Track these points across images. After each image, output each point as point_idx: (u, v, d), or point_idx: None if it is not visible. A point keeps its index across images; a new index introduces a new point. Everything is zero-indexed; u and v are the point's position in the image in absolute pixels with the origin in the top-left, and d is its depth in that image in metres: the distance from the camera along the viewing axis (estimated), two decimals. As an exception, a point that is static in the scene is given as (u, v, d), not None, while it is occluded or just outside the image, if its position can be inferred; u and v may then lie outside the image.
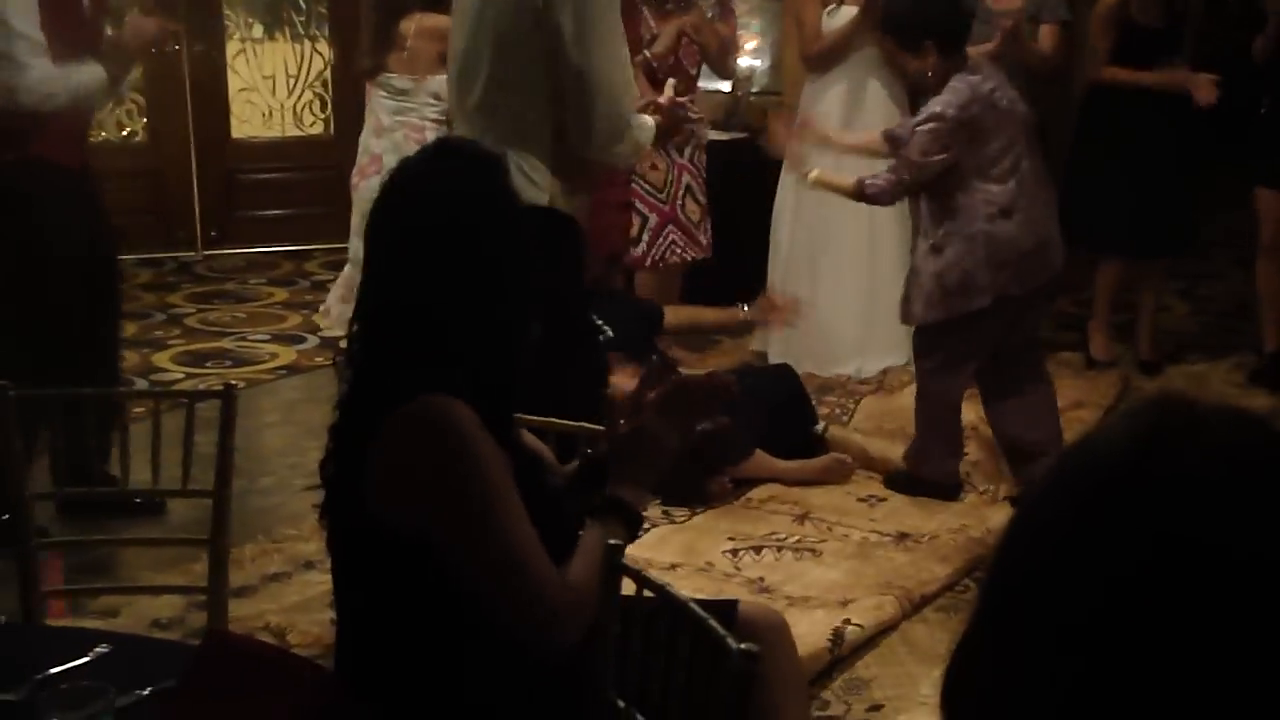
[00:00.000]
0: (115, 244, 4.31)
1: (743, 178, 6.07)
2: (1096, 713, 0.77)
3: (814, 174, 4.56)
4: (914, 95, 4.91)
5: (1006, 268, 4.25)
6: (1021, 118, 4.33)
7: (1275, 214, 5.55)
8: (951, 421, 4.52)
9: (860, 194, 4.35)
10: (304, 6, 8.02)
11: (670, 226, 5.52)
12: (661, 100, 3.62)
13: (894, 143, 4.33)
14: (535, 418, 2.48)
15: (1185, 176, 5.67)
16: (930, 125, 4.17)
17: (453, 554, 1.97)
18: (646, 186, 5.46)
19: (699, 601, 1.99)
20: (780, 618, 2.52)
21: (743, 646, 1.79)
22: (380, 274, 2.07)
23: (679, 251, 5.55)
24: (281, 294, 7.09)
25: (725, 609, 2.28)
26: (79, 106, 3.99)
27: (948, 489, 4.52)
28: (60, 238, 3.99)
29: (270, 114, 7.98)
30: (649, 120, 3.47)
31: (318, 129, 8.05)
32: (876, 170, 4.37)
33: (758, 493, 4.54)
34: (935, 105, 4.19)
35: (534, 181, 3.25)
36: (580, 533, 2.09)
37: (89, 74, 3.93)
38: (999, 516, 4.38)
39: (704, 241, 5.62)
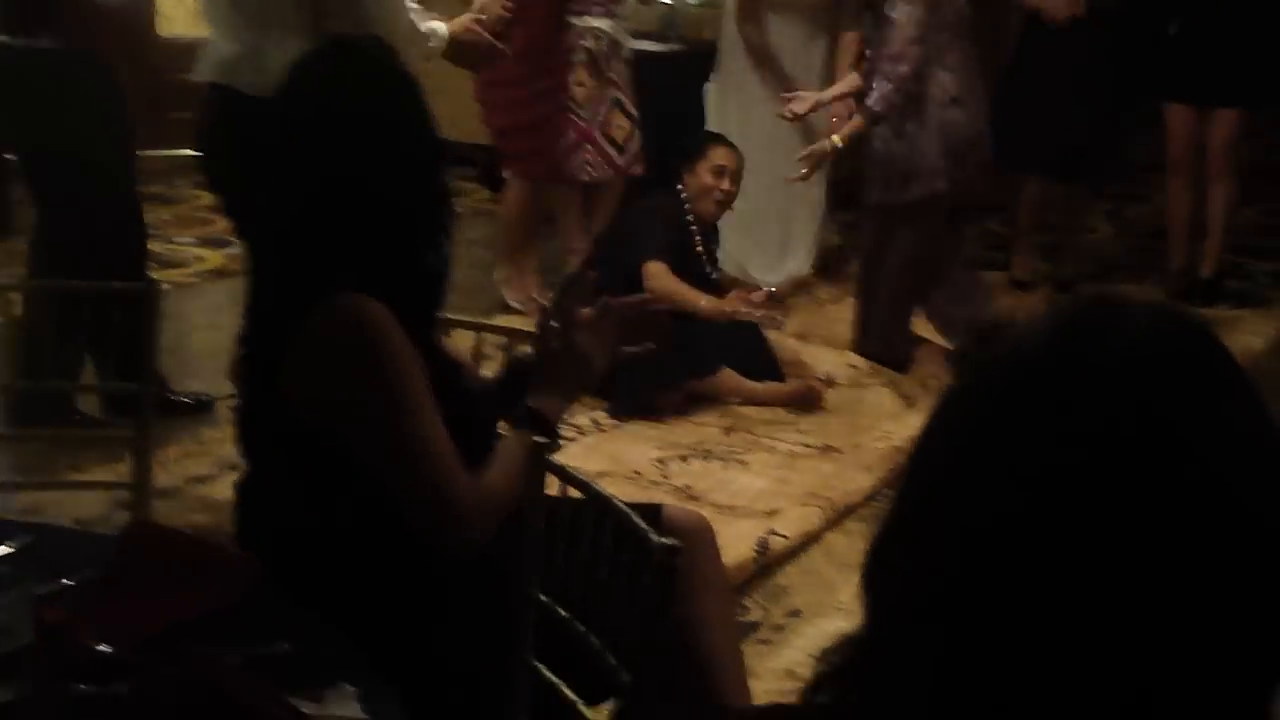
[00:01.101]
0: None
1: (677, 90, 6.02)
2: (1005, 606, 0.78)
3: (836, 139, 4.70)
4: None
5: (956, 156, 4.51)
6: (960, 9, 4.51)
7: (1183, 130, 5.64)
8: (903, 308, 4.76)
9: (871, 119, 4.55)
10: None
11: (585, 145, 5.47)
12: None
13: (874, 60, 4.55)
14: (464, 319, 2.49)
15: (1113, 104, 5.71)
16: (906, 9, 4.40)
17: (361, 450, 1.98)
18: (571, 103, 5.42)
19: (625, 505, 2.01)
20: (705, 521, 2.56)
21: (664, 540, 1.82)
22: (290, 174, 2.06)
23: (591, 171, 5.51)
24: (208, 197, 6.96)
25: (650, 512, 2.31)
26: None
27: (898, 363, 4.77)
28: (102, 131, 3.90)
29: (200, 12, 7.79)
30: (438, 28, 3.39)
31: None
32: None
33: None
34: None
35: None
36: (498, 439, 2.11)
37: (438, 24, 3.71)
38: (920, 422, 4.43)
39: (626, 160, 5.56)
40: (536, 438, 2.09)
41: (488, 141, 5.74)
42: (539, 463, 2.06)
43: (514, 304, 5.43)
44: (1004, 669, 0.77)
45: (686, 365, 4.41)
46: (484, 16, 3.62)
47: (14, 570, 1.66)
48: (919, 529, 0.83)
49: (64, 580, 1.80)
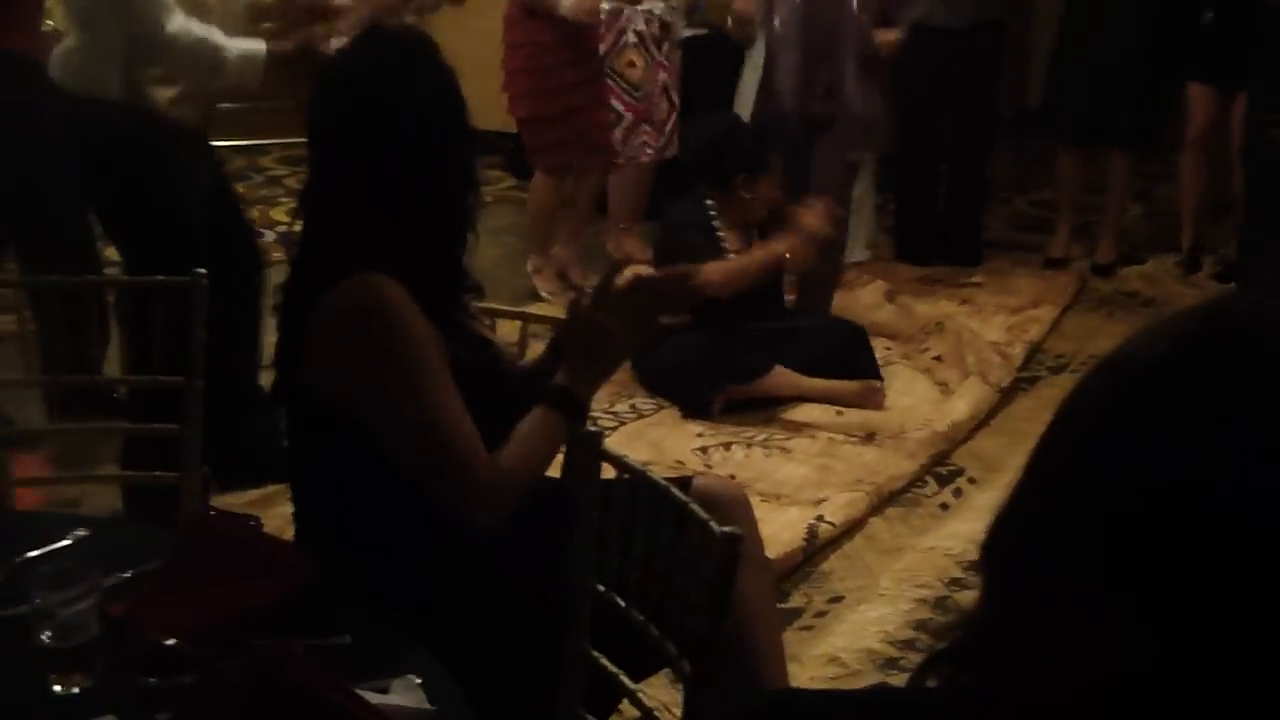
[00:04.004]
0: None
1: (705, 74, 6.01)
2: (1140, 589, 0.77)
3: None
4: None
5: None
6: None
7: (1203, 107, 5.63)
8: None
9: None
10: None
11: (644, 125, 5.50)
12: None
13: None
14: (500, 306, 2.49)
15: (1145, 72, 5.69)
16: None
17: (377, 425, 1.99)
18: (624, 84, 5.42)
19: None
20: (741, 491, 2.54)
21: (727, 529, 1.80)
22: (319, 158, 2.11)
23: (649, 151, 5.53)
24: (237, 188, 6.99)
25: (680, 484, 2.29)
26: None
27: None
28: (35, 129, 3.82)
29: (224, 5, 7.81)
30: (248, 47, 3.27)
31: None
32: None
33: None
34: None
35: (105, 71, 3.22)
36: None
37: (256, 45, 3.66)
38: (962, 409, 4.43)
39: (662, 143, 5.58)
40: (559, 417, 2.09)
41: (514, 129, 5.72)
42: (593, 449, 2.05)
43: (544, 293, 5.42)
44: (1134, 652, 0.76)
45: (745, 370, 4.38)
46: None
47: (77, 565, 1.66)
48: (1050, 512, 0.82)
49: (125, 574, 1.80)
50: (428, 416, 1.97)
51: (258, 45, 3.28)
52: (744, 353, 4.39)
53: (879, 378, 4.55)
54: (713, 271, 4.04)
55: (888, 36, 5.09)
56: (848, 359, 4.54)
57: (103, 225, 3.63)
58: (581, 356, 2.15)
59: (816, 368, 4.47)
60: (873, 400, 4.48)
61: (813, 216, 4.27)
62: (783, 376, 4.45)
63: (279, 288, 2.15)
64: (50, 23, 4.08)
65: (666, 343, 4.23)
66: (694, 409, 4.34)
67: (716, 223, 4.47)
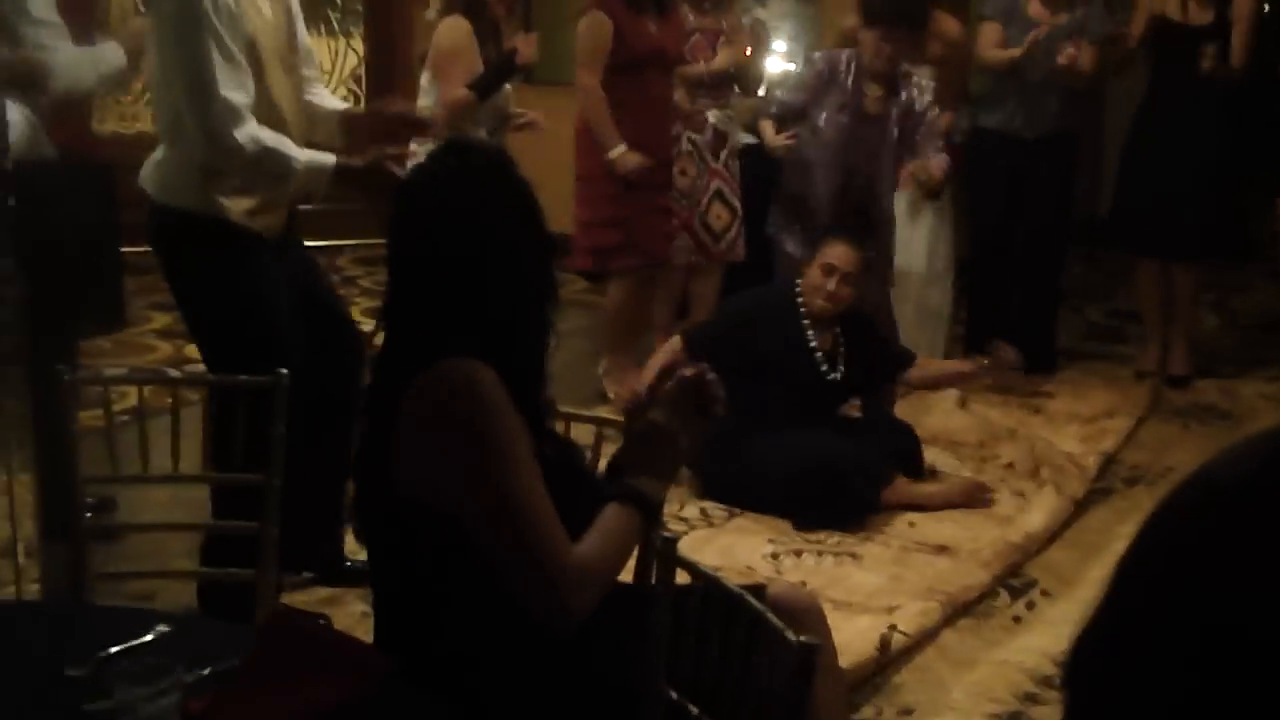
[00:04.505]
0: (117, 234, 4.20)
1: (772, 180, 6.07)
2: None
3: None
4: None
5: None
6: None
7: None
8: None
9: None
10: (340, 3, 8.06)
11: (684, 233, 5.60)
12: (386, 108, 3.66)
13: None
14: (574, 410, 2.52)
15: (1223, 182, 5.67)
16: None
17: (466, 517, 2.00)
18: (673, 192, 5.51)
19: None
20: (815, 600, 2.53)
21: (803, 639, 1.79)
22: (401, 271, 2.15)
23: (684, 255, 5.63)
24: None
25: (755, 591, 2.29)
26: (105, 87, 3.93)
27: None
28: (68, 229, 3.89)
29: (303, 110, 8.00)
30: (315, 158, 3.33)
31: (351, 125, 8.08)
32: None
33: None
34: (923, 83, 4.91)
35: (184, 180, 3.31)
36: None
37: (112, 53, 3.85)
38: (1036, 520, 4.38)
39: (723, 247, 5.66)
40: (633, 514, 2.09)
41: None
42: (668, 554, 2.06)
43: (613, 395, 5.45)
44: None
45: (877, 478, 4.37)
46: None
47: (159, 661, 1.67)
48: (1134, 633, 0.82)
49: (204, 670, 1.82)
50: (516, 504, 1.99)
51: (327, 158, 3.35)
52: (875, 460, 4.39)
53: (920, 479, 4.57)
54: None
55: (931, 167, 5.03)
56: (903, 461, 4.55)
57: (187, 325, 3.70)
58: (641, 458, 2.16)
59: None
60: (981, 499, 4.46)
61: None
62: (903, 485, 4.44)
63: (361, 390, 2.18)
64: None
65: (769, 449, 4.22)
66: (843, 517, 4.29)
67: (804, 310, 4.50)
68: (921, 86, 4.92)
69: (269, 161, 3.25)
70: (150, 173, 3.42)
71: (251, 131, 3.22)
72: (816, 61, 5.06)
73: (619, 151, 5.19)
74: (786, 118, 5.06)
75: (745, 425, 4.20)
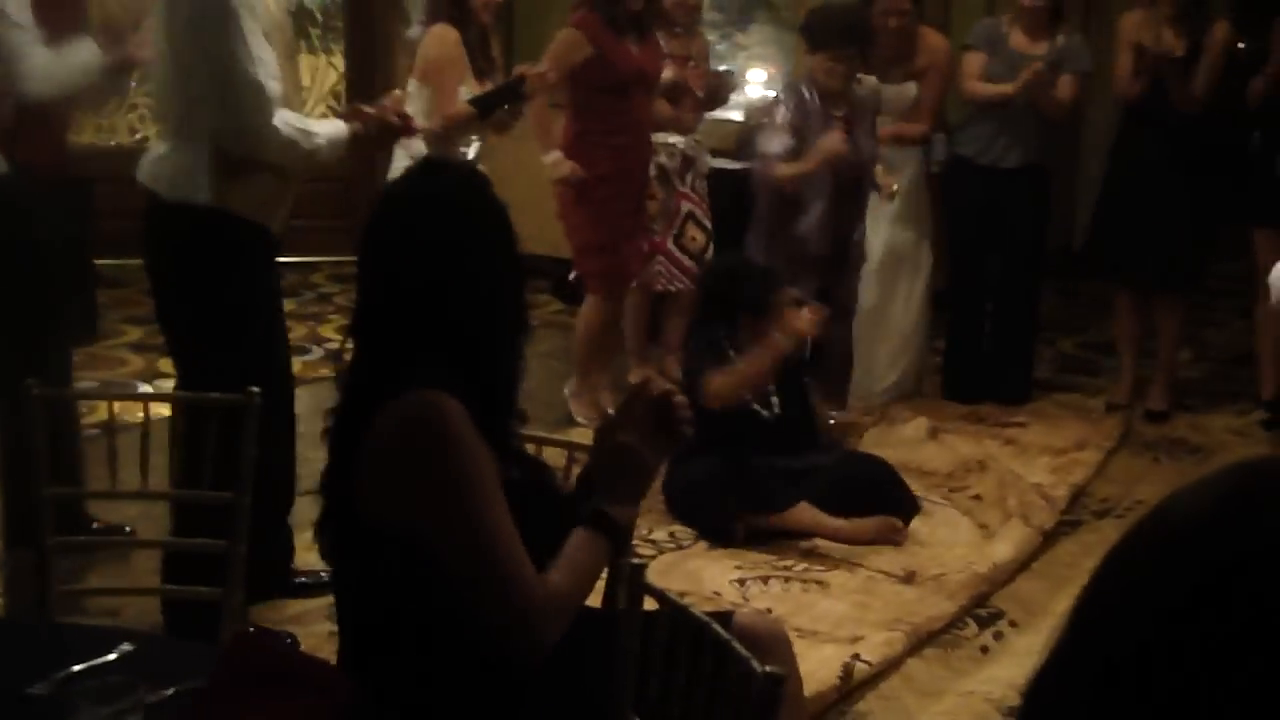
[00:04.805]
0: (88, 250, 4.17)
1: (735, 204, 6.09)
2: None
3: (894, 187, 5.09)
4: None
5: None
6: None
7: (1272, 253, 5.58)
8: None
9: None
10: (320, 20, 8.06)
11: (659, 256, 5.62)
12: (368, 109, 3.66)
13: None
14: (536, 433, 2.52)
15: (1197, 212, 5.70)
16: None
17: (432, 547, 2.00)
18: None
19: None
20: (781, 628, 2.53)
21: (769, 669, 1.80)
22: (375, 284, 2.14)
23: (663, 281, 5.67)
24: (288, 304, 7.06)
25: (721, 618, 2.29)
26: (78, 90, 3.86)
27: None
28: (40, 247, 3.89)
29: (281, 125, 8.00)
30: (335, 129, 3.47)
31: (327, 142, 8.08)
32: None
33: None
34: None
35: (194, 176, 3.35)
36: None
37: (86, 52, 3.78)
38: (1004, 551, 4.39)
39: (701, 271, 5.66)
40: (601, 539, 2.09)
41: (560, 254, 5.79)
42: (636, 582, 2.06)
43: (580, 419, 5.43)
44: None
45: (762, 498, 4.38)
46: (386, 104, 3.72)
47: (122, 680, 1.67)
48: (1091, 668, 0.83)
49: (168, 690, 1.81)
50: (483, 538, 1.98)
51: (341, 127, 3.48)
52: (764, 482, 4.39)
53: (915, 511, 4.54)
54: (712, 380, 4.25)
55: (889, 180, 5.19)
56: (877, 496, 4.52)
57: (166, 333, 3.69)
58: (610, 480, 2.16)
59: (845, 505, 4.44)
60: (892, 538, 4.44)
61: (800, 319, 4.40)
62: (805, 513, 4.43)
63: (328, 411, 2.17)
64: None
65: (682, 465, 4.24)
66: (715, 536, 4.35)
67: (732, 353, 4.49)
68: (863, 86, 5.06)
69: (303, 142, 3.35)
70: (155, 169, 3.42)
71: (284, 116, 3.33)
72: (782, 103, 5.10)
73: (554, 157, 5.23)
74: (784, 158, 5.07)
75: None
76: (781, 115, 5.02)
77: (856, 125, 5.05)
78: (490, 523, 1.99)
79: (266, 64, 3.29)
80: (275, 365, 3.54)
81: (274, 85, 3.29)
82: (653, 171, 5.55)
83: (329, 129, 3.45)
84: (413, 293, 2.08)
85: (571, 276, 5.68)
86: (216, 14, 3.21)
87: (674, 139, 5.62)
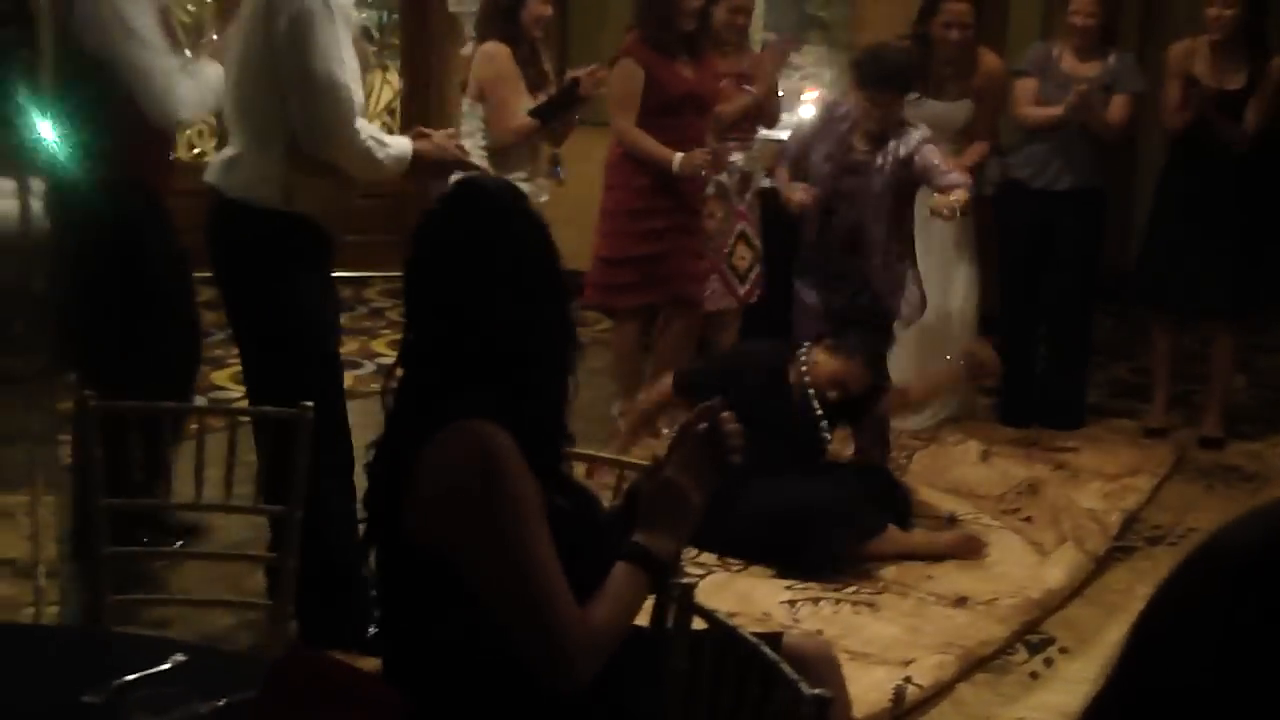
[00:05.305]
0: (188, 263, 4.28)
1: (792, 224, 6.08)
2: None
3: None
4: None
5: None
6: None
7: None
8: None
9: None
10: (377, 37, 8.13)
11: (714, 276, 5.60)
12: (431, 133, 3.70)
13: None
14: (594, 453, 2.51)
15: (1247, 240, 5.65)
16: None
17: (473, 576, 1.99)
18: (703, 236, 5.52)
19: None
20: (830, 650, 2.52)
21: (816, 692, 1.79)
22: (418, 311, 2.14)
23: (716, 301, 5.64)
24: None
25: (770, 640, 2.28)
26: (216, 109, 3.99)
27: None
28: (149, 259, 3.99)
29: (335, 141, 8.07)
30: (403, 145, 3.53)
31: (381, 157, 8.14)
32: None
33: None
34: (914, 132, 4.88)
35: (267, 178, 3.42)
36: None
37: (213, 71, 3.90)
38: (1056, 576, 4.36)
39: (745, 288, 5.67)
40: (642, 575, 2.07)
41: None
42: (685, 603, 2.05)
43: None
44: None
45: (862, 529, 4.37)
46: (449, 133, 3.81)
47: (175, 691, 1.68)
48: (1144, 702, 0.83)
49: (219, 702, 1.82)
50: (525, 575, 1.97)
51: (406, 145, 3.54)
52: (863, 510, 4.39)
53: (909, 517, 4.57)
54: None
55: (948, 199, 4.90)
56: (888, 503, 4.56)
57: (236, 335, 3.73)
58: (656, 516, 2.13)
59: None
60: (972, 551, 4.44)
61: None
62: (894, 535, 4.43)
63: (369, 445, 2.17)
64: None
65: (749, 498, 4.20)
66: (817, 570, 4.28)
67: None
68: (911, 135, 4.94)
69: (376, 151, 3.42)
70: (227, 171, 3.50)
71: (364, 124, 3.42)
72: (822, 108, 5.09)
73: (680, 158, 5.17)
74: (790, 162, 5.10)
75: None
76: (807, 121, 5.05)
77: (870, 172, 4.94)
78: (534, 560, 1.97)
79: (354, 71, 3.37)
80: (331, 376, 3.56)
81: (358, 92, 3.38)
82: (712, 190, 5.54)
83: (397, 144, 3.52)
84: (455, 320, 2.07)
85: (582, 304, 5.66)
86: (315, 19, 3.29)
87: (735, 156, 5.62)
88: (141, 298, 3.97)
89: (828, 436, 4.61)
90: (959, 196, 4.72)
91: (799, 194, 4.94)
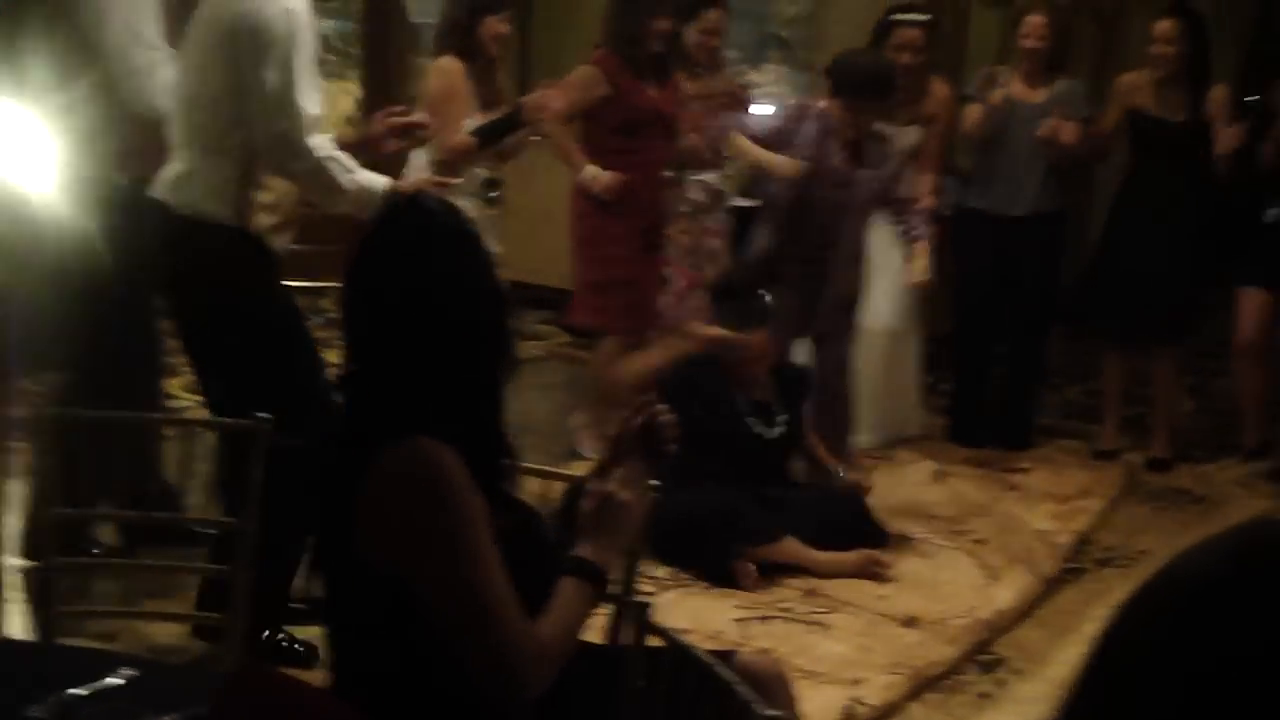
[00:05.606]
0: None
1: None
2: None
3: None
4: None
5: None
6: None
7: (1252, 313, 5.64)
8: None
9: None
10: (336, 46, 8.10)
11: (697, 290, 5.59)
12: (419, 179, 3.78)
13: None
14: (531, 466, 2.51)
15: (1192, 269, 5.73)
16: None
17: (421, 592, 1.98)
18: (676, 251, 5.52)
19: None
20: (781, 669, 2.52)
21: (772, 713, 1.79)
22: (355, 332, 2.12)
23: (700, 314, 5.60)
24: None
25: (722, 659, 2.27)
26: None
27: None
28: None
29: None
30: (375, 180, 3.51)
31: (337, 167, 8.11)
32: None
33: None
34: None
35: (219, 193, 3.42)
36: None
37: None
38: (1006, 597, 4.38)
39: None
40: (585, 587, 2.07)
41: (567, 286, 5.76)
42: (640, 620, 2.05)
43: (586, 453, 5.40)
44: None
45: (753, 532, 4.39)
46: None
47: (128, 705, 1.66)
48: None
49: (170, 716, 1.80)
50: (475, 591, 1.96)
51: (379, 181, 3.51)
52: (754, 515, 4.41)
53: (884, 544, 4.59)
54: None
55: (913, 273, 5.21)
56: (853, 529, 4.57)
57: (186, 351, 3.69)
58: (592, 526, 2.13)
59: (824, 538, 4.47)
60: (875, 572, 4.45)
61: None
62: (790, 545, 4.44)
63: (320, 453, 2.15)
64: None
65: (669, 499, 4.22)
66: (718, 579, 4.32)
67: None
68: (890, 148, 5.03)
69: (329, 169, 3.40)
70: (180, 185, 3.45)
71: (318, 140, 3.39)
72: (790, 107, 5.17)
73: (591, 171, 5.18)
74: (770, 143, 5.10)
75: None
76: (787, 112, 5.15)
77: (852, 184, 5.00)
78: (482, 576, 1.96)
79: (311, 87, 3.37)
80: (310, 391, 3.49)
81: (312, 108, 3.37)
82: (685, 208, 5.55)
83: (369, 178, 3.48)
84: (392, 339, 2.06)
85: (563, 319, 5.66)
86: (273, 33, 3.29)
87: (708, 175, 5.63)
88: (111, 302, 3.93)
89: (768, 432, 4.63)
90: (920, 269, 5.10)
91: (787, 166, 4.96)
